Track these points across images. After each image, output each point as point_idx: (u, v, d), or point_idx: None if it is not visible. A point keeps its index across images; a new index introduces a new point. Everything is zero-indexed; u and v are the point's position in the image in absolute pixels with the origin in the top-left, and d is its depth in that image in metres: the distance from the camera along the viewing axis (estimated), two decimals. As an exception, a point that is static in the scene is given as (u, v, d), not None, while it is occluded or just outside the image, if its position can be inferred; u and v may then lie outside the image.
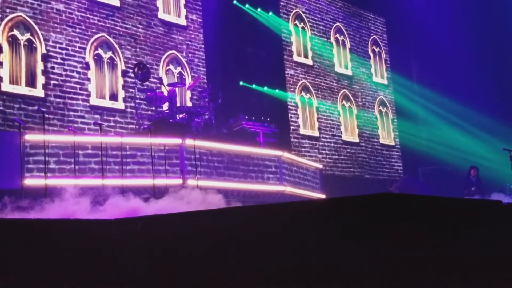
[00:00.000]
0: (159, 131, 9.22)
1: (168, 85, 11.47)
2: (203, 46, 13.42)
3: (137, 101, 11.09)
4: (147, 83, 11.46)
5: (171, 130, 9.75)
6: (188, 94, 12.74)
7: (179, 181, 8.67)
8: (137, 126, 10.86)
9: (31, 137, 8.13)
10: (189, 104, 12.54)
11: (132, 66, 11.44)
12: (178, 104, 10.87)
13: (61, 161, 8.18)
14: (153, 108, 11.15)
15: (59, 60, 10.82)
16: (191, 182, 8.72)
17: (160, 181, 8.46)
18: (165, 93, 10.94)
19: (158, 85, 11.87)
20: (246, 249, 3.34)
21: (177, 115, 10.46)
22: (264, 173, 10.19)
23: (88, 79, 11.20)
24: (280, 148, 11.19)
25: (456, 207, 3.53)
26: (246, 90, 14.01)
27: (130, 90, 11.57)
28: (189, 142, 9.09)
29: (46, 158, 7.73)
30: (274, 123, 12.03)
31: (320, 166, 12.72)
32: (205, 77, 13.31)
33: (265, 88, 14.36)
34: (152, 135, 8.68)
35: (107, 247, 3.68)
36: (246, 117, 11.54)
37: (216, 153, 9.58)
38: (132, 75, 11.33)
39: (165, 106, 10.90)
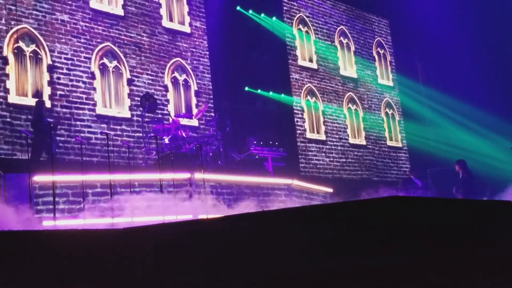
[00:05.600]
0: (168, 163, 9.01)
1: (176, 116, 11.37)
2: (207, 52, 13.45)
3: (144, 134, 10.82)
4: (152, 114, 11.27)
5: (180, 162, 9.59)
6: (196, 122, 12.61)
7: (189, 216, 8.61)
8: (145, 158, 10.63)
9: (40, 178, 7.96)
10: (196, 133, 12.34)
11: (139, 98, 11.32)
12: (183, 135, 10.67)
13: (70, 201, 8.08)
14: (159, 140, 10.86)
15: (64, 71, 10.88)
16: (201, 216, 8.55)
17: (170, 217, 8.31)
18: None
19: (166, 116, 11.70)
20: (253, 254, 3.34)
21: (185, 146, 10.29)
22: (275, 202, 10.00)
23: (94, 89, 11.25)
24: (289, 170, 10.90)
25: (464, 208, 3.51)
26: (251, 95, 14.03)
27: (138, 118, 11.44)
28: (198, 176, 8.96)
29: (55, 199, 7.60)
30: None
31: (330, 190, 12.27)
32: (210, 83, 13.33)
33: (271, 93, 14.37)
34: (161, 170, 8.54)
35: (116, 255, 3.69)
36: (255, 142, 11.46)
37: (225, 185, 9.49)
38: (141, 108, 11.13)
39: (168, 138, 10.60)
